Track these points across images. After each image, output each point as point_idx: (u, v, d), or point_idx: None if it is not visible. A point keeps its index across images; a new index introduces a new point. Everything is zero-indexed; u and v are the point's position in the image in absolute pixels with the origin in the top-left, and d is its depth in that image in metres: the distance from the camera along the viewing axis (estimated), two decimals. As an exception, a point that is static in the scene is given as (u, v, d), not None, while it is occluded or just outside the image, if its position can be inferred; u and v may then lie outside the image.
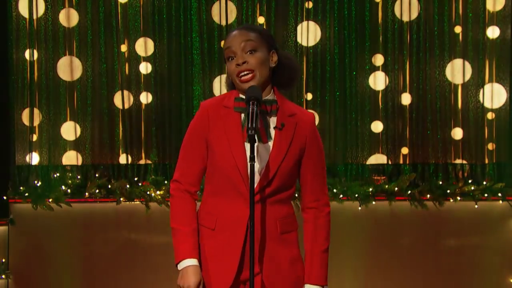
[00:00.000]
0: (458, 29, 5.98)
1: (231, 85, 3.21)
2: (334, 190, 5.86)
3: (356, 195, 5.87)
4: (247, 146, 3.03)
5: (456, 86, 6.01)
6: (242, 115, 3.08)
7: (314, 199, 3.16)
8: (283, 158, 3.05)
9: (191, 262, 3.06)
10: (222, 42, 5.94)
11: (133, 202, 5.91)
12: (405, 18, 5.97)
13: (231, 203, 3.05)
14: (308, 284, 3.12)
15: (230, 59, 3.08)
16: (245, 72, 3.05)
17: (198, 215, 3.16)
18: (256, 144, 2.95)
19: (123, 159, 5.99)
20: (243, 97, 3.08)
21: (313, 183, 3.15)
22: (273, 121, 3.09)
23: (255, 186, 3.03)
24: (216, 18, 5.97)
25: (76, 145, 5.99)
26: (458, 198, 5.91)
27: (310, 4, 5.97)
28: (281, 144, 3.06)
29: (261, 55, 3.06)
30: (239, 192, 3.04)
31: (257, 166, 3.03)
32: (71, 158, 5.99)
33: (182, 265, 3.08)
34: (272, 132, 3.08)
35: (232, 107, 3.10)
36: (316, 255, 3.13)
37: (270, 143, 3.06)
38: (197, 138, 3.13)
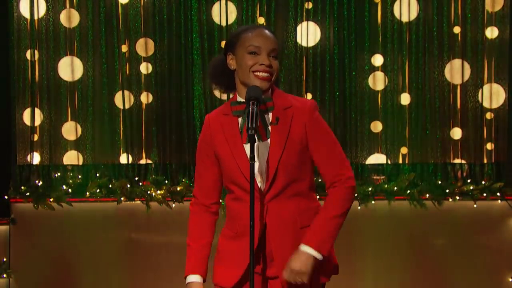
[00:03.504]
0: (457, 30, 6.00)
1: (223, 78, 3.21)
2: (334, 190, 5.87)
3: (356, 195, 5.89)
4: (247, 147, 3.06)
5: (455, 86, 6.03)
6: (240, 118, 3.11)
7: (334, 175, 3.09)
8: (282, 152, 3.06)
9: (194, 278, 3.14)
10: (224, 42, 5.97)
11: (133, 202, 5.94)
12: (404, 19, 5.99)
13: (246, 205, 3.05)
14: (302, 245, 3.02)
15: (252, 53, 3.09)
16: (266, 74, 3.08)
17: (225, 221, 3.21)
18: (256, 144, 2.97)
19: (123, 158, 6.02)
20: (241, 100, 3.12)
21: (329, 163, 3.09)
22: (269, 117, 3.12)
23: (264, 184, 3.06)
24: (216, 19, 5.99)
25: (77, 144, 6.01)
26: (457, 197, 5.93)
27: (310, 5, 5.99)
28: (278, 138, 3.08)
29: (278, 64, 3.13)
30: (248, 193, 3.05)
31: (259, 165, 3.05)
32: (72, 157, 6.01)
33: (187, 280, 3.16)
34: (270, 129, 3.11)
35: (231, 112, 3.13)
36: (320, 220, 3.06)
37: (269, 140, 3.09)
38: (204, 151, 3.19)
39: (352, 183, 3.10)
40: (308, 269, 3.00)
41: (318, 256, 3.01)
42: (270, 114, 3.11)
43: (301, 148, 3.10)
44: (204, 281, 3.17)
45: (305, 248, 3.01)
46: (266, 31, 3.13)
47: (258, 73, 3.07)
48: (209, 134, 3.16)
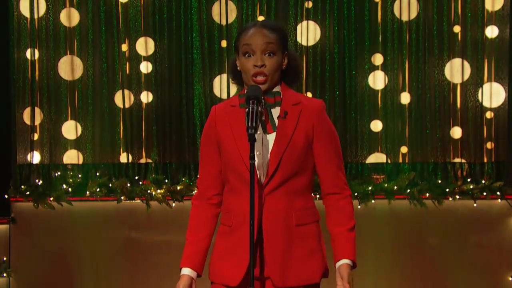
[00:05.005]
0: (457, 29, 6.00)
1: (236, 76, 3.22)
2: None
3: (356, 194, 5.89)
4: None
5: (455, 85, 6.03)
6: (247, 110, 3.12)
7: (332, 185, 3.16)
8: (286, 146, 3.07)
9: (184, 271, 3.15)
10: (224, 41, 5.98)
11: (133, 201, 5.94)
12: (404, 18, 5.99)
13: (244, 198, 3.06)
14: (342, 260, 3.07)
15: (247, 55, 3.11)
16: (261, 77, 3.08)
17: (220, 214, 3.21)
18: (261, 136, 3.03)
19: (123, 158, 6.02)
20: None
21: (328, 169, 3.15)
22: (276, 111, 3.12)
23: (264, 177, 3.06)
24: (216, 18, 6.00)
25: (77, 144, 6.01)
26: (457, 197, 5.93)
27: (310, 4, 5.99)
28: (284, 132, 3.09)
29: (277, 59, 3.11)
30: (247, 184, 3.05)
31: (261, 158, 3.06)
32: (72, 157, 6.02)
33: (181, 272, 3.17)
34: (277, 122, 3.11)
35: (238, 104, 3.14)
36: (343, 233, 3.10)
37: (275, 133, 3.09)
38: (208, 141, 3.19)
39: (349, 191, 3.21)
40: (352, 280, 3.11)
41: (353, 264, 3.11)
42: (278, 108, 3.12)
43: (305, 145, 3.11)
44: (199, 275, 3.15)
45: (347, 261, 3.08)
46: (259, 28, 3.11)
47: (254, 77, 3.09)
48: (213, 122, 3.17)
